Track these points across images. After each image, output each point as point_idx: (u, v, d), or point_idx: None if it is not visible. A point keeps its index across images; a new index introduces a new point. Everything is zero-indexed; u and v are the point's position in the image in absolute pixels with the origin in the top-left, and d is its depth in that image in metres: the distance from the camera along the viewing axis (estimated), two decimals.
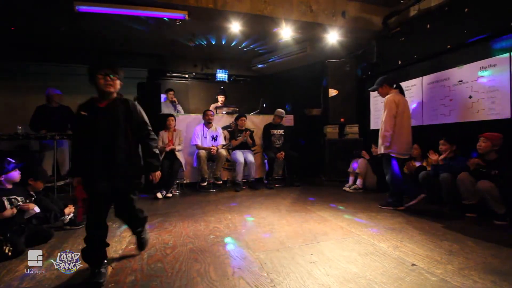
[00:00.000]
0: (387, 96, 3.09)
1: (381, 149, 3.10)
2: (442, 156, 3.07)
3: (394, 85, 3.17)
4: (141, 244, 2.01)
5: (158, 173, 1.84)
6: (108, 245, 1.75)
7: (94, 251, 1.64)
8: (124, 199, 1.77)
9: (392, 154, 3.01)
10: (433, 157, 3.12)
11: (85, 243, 1.63)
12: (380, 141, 3.08)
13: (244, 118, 4.69)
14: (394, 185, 3.03)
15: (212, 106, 5.46)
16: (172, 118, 4.29)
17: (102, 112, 1.65)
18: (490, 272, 1.61)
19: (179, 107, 5.56)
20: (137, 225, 1.94)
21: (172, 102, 5.42)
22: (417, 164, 3.59)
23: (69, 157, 4.36)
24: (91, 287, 1.54)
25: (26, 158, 4.30)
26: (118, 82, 1.72)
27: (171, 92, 5.46)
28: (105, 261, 1.69)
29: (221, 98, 5.65)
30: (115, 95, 1.74)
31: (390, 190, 3.11)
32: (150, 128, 1.81)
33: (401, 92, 3.18)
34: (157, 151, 1.83)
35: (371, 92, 5.13)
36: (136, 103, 1.80)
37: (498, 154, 2.69)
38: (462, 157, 2.96)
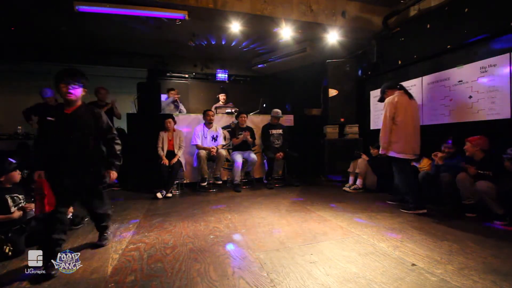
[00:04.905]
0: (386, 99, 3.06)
1: (382, 150, 3.07)
2: (439, 156, 3.08)
3: (398, 87, 3.11)
4: (103, 239, 2.17)
5: (115, 173, 2.06)
6: (64, 240, 1.87)
7: (51, 242, 1.76)
8: (91, 192, 2.05)
9: (393, 155, 2.97)
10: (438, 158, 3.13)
11: (45, 232, 1.78)
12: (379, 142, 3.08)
13: (245, 115, 4.65)
14: (405, 187, 3.00)
15: (213, 107, 5.44)
16: (170, 120, 4.21)
17: (68, 118, 1.88)
18: (490, 272, 1.61)
19: (182, 106, 5.44)
20: (102, 219, 2.18)
21: (174, 102, 5.34)
22: (415, 164, 3.58)
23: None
24: (44, 278, 1.64)
25: (27, 160, 4.30)
26: (80, 90, 1.91)
27: (173, 91, 5.39)
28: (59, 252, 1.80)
29: (222, 97, 5.71)
30: (79, 102, 1.95)
31: (400, 192, 3.13)
32: (115, 133, 2.10)
33: (406, 92, 3.09)
34: (120, 154, 2.10)
35: (371, 92, 5.14)
36: (101, 111, 2.05)
37: (484, 153, 2.72)
38: (461, 157, 2.96)
